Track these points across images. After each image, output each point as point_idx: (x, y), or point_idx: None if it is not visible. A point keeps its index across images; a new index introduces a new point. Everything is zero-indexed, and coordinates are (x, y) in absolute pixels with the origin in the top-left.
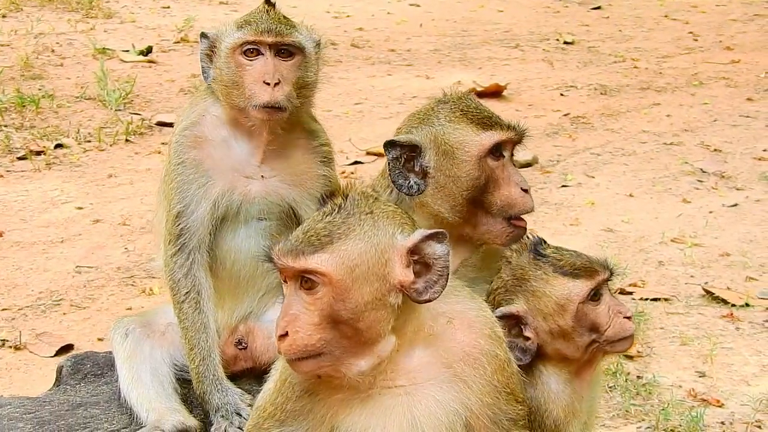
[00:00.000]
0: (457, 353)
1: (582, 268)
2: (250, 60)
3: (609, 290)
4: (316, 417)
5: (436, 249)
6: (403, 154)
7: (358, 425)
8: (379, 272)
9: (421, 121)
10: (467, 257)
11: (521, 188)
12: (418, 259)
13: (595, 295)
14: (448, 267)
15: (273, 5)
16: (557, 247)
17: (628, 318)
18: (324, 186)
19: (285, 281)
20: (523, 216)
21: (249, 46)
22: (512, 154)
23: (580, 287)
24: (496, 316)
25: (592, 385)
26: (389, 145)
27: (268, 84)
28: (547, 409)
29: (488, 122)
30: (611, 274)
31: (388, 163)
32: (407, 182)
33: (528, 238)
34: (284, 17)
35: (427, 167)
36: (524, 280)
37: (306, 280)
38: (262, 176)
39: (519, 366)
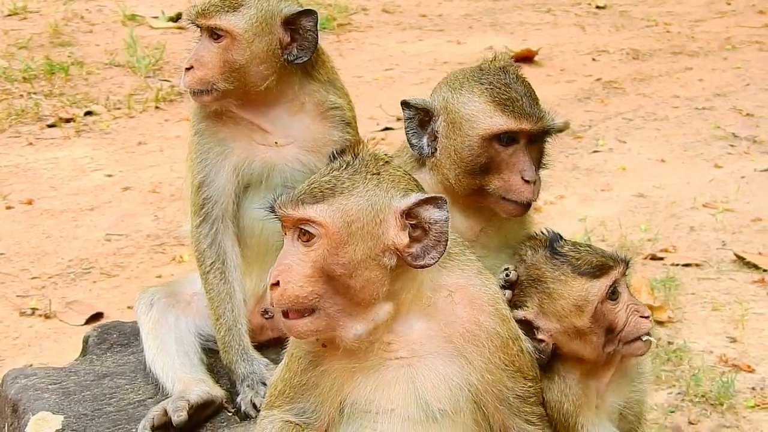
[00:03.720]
0: (458, 328)
1: (599, 266)
2: (199, 38)
3: (627, 286)
4: (323, 391)
5: (433, 214)
6: (417, 116)
7: (363, 398)
8: (373, 231)
9: (448, 83)
10: (487, 225)
11: (523, 178)
12: (415, 223)
13: (613, 293)
14: (446, 233)
15: None
16: (573, 242)
17: (646, 317)
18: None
19: (285, 233)
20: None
21: (192, 26)
22: (536, 142)
23: (598, 287)
24: None
25: (619, 385)
26: (404, 104)
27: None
28: (559, 401)
29: (507, 106)
30: (627, 266)
31: (404, 122)
32: (420, 142)
33: (543, 233)
34: None
35: (437, 132)
36: (540, 281)
37: (304, 231)
38: (275, 143)
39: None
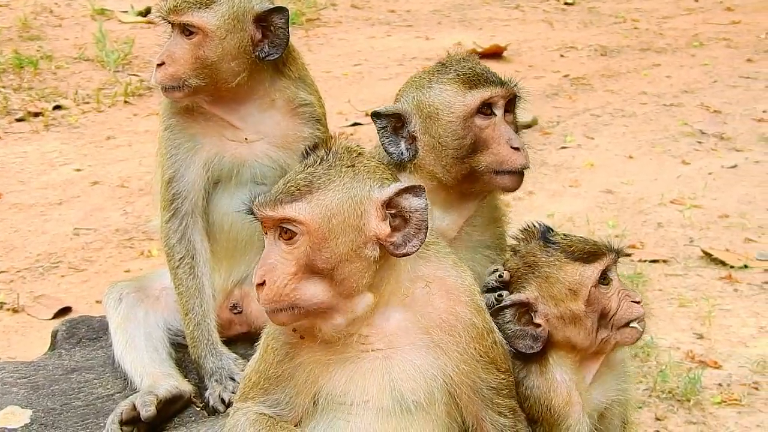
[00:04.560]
0: (435, 319)
1: (591, 252)
2: (170, 34)
3: (617, 274)
4: (297, 383)
5: (412, 202)
6: (390, 123)
7: (338, 389)
8: (354, 224)
9: (413, 84)
10: (471, 216)
11: (511, 146)
12: (395, 212)
13: (604, 279)
14: (426, 221)
15: None
16: (564, 233)
17: (637, 302)
18: None
19: (265, 233)
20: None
21: (163, 22)
22: (509, 111)
23: (591, 271)
24: (506, 305)
25: (604, 381)
26: (375, 115)
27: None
28: (547, 398)
29: (476, 80)
30: (618, 255)
31: (378, 133)
32: (398, 149)
33: (535, 226)
34: None
35: (414, 132)
36: (536, 266)
37: (285, 230)
38: (245, 139)
39: (528, 355)
